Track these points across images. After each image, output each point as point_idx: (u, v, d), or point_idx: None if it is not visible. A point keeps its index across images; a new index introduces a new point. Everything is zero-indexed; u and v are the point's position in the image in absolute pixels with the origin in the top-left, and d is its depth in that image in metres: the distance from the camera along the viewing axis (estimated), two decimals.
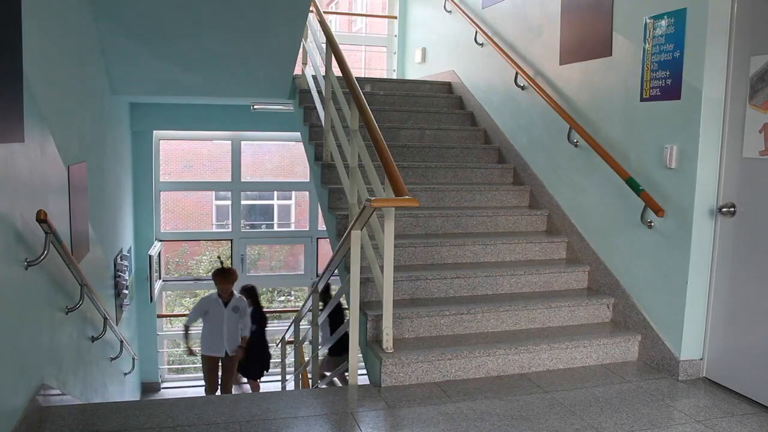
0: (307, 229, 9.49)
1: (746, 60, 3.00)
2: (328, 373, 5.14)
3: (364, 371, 3.38)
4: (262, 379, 6.80)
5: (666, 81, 3.30)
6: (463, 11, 5.67)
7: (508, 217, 4.41)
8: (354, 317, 3.20)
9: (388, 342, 3.12)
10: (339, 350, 5.27)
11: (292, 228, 14.36)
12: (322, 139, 4.67)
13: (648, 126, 3.45)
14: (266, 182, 13.37)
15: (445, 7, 6.22)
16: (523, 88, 4.77)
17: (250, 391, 6.63)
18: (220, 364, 5.76)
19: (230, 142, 8.72)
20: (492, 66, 5.27)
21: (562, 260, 4.18)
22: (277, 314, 13.25)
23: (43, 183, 3.04)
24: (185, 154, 13.76)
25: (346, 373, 3.29)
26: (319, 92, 4.92)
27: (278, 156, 13.45)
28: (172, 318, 11.39)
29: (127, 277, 6.29)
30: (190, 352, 5.84)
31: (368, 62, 9.23)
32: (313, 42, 5.51)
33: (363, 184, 3.66)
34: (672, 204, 3.28)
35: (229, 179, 8.96)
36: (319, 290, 4.39)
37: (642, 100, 3.48)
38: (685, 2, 3.16)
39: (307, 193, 9.67)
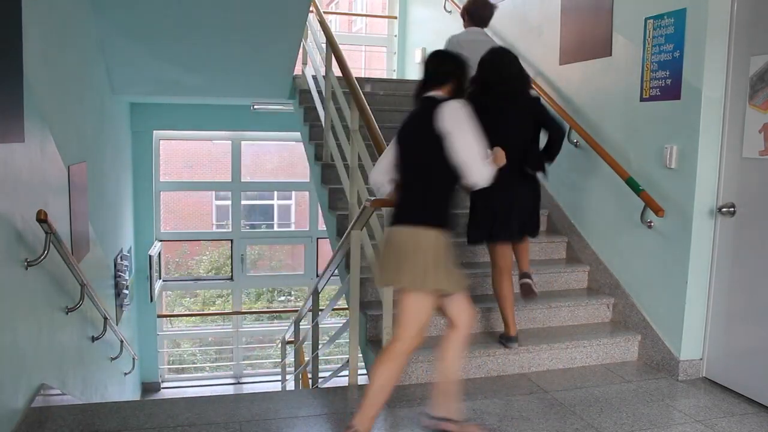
0: (307, 229, 9.48)
1: (746, 60, 3.00)
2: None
3: (364, 371, 3.38)
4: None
5: (666, 81, 3.30)
6: None
7: None
8: (354, 317, 3.20)
9: (388, 342, 3.11)
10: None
11: (292, 228, 14.36)
12: (322, 139, 4.67)
13: (648, 126, 3.45)
14: (266, 182, 13.37)
15: (445, 7, 6.22)
16: None
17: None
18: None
19: (230, 142, 8.72)
20: None
21: (562, 260, 4.18)
22: (277, 314, 13.28)
23: (43, 183, 3.04)
24: (185, 154, 13.75)
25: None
26: (319, 92, 4.92)
27: (278, 156, 13.46)
28: (172, 318, 11.40)
29: (127, 277, 6.29)
30: None
31: (368, 62, 9.23)
32: (313, 42, 5.51)
33: (363, 184, 3.66)
34: (672, 204, 3.27)
35: (229, 179, 8.96)
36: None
37: (642, 100, 3.48)
38: (685, 2, 3.16)
39: (307, 193, 9.67)
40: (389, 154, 2.56)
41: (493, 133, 2.69)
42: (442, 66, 2.51)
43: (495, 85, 3.19)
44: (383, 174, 2.59)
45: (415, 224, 2.34)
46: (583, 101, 4.04)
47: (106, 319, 4.32)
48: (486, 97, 3.12)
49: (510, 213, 3.17)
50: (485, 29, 4.09)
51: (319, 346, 4.50)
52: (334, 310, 7.32)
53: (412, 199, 2.41)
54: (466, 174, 2.32)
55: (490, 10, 4.08)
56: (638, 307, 3.54)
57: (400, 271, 2.31)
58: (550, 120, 3.25)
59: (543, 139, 3.28)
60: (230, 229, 9.27)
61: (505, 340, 3.31)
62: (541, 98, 3.49)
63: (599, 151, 3.70)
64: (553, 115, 3.41)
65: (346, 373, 3.23)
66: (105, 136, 5.27)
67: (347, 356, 3.24)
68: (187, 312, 13.62)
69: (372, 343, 3.24)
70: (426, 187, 2.38)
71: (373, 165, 3.37)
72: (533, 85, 3.49)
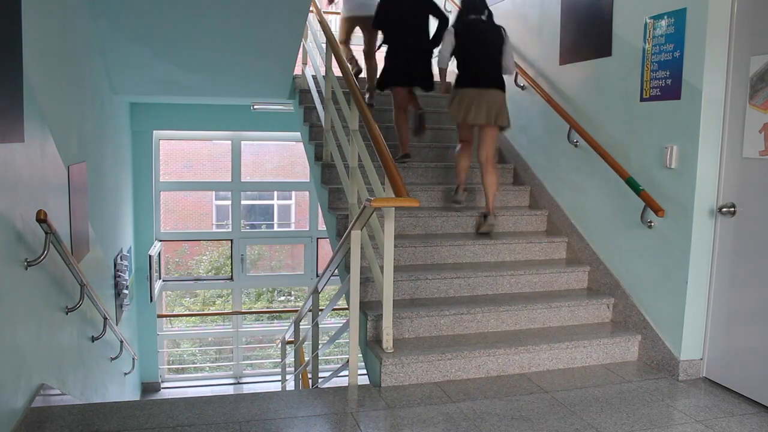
0: (307, 229, 9.49)
1: (746, 60, 3.00)
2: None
3: (364, 371, 3.38)
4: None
5: (666, 81, 3.30)
6: None
7: (508, 217, 4.41)
8: (354, 317, 3.20)
9: (388, 342, 3.12)
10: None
11: (292, 228, 14.38)
12: (322, 139, 4.67)
13: (648, 126, 3.45)
14: (266, 182, 13.38)
15: (444, 7, 6.21)
16: (523, 88, 4.76)
17: None
18: None
19: (230, 142, 8.73)
20: None
21: (562, 260, 4.18)
22: (277, 314, 13.28)
23: (43, 183, 3.04)
24: (185, 154, 13.77)
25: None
26: (319, 92, 4.92)
27: (278, 156, 13.47)
28: (172, 318, 11.40)
29: (127, 277, 6.30)
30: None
31: None
32: (313, 42, 5.51)
33: (363, 184, 3.66)
34: (672, 204, 3.28)
35: (229, 179, 8.96)
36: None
37: (642, 100, 3.48)
38: (685, 2, 3.16)
39: (307, 193, 9.68)
40: (449, 44, 4.14)
41: (395, 19, 4.59)
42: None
43: None
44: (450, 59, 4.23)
45: (502, 89, 4.11)
46: (583, 101, 4.04)
47: (105, 319, 4.32)
48: None
49: (407, 68, 4.63)
50: None
51: (319, 346, 4.50)
52: (334, 310, 7.33)
53: (496, 72, 4.11)
54: (509, 63, 4.17)
55: None
56: (638, 307, 3.54)
57: (499, 115, 4.08)
58: (437, 10, 4.68)
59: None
60: (230, 229, 9.28)
61: (399, 157, 4.53)
62: None
63: (599, 151, 3.70)
64: (441, 8, 4.74)
65: (346, 373, 3.23)
66: (105, 136, 5.27)
67: (347, 356, 3.24)
68: (187, 312, 13.63)
69: (372, 343, 3.24)
70: (500, 67, 4.13)
71: (373, 165, 3.44)
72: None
